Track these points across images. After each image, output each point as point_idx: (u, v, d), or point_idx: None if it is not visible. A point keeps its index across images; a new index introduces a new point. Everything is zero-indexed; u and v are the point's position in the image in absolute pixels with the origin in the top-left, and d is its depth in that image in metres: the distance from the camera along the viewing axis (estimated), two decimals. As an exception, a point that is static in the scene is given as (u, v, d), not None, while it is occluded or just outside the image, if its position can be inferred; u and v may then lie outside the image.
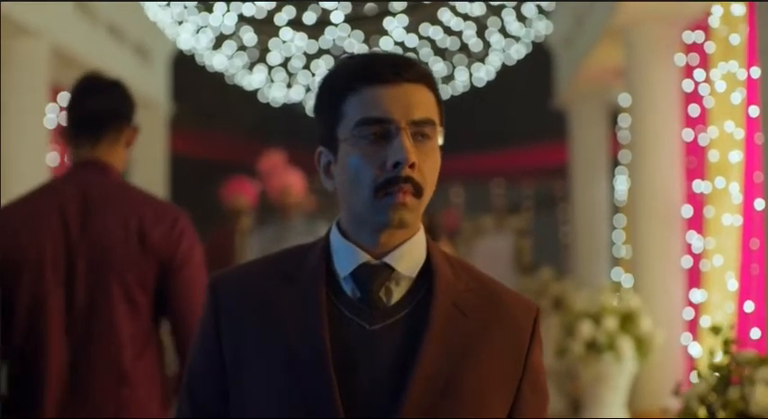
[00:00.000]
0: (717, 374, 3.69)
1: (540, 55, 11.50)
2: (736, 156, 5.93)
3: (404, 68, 1.76)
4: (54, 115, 8.71)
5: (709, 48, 6.56)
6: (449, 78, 10.06)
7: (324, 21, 7.33)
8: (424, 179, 1.74)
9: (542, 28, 9.61)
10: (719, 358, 3.76)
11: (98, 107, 3.25)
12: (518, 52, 9.65)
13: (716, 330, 3.84)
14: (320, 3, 7.18)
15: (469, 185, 18.89)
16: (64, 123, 3.30)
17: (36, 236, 3.16)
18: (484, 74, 9.95)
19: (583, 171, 10.60)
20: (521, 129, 16.19)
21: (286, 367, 1.74)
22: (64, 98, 3.21)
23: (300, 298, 1.77)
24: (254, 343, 1.78)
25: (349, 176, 1.75)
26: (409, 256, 1.79)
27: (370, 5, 7.15)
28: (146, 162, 10.47)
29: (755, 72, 5.32)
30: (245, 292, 1.82)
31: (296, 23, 7.67)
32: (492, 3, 7.83)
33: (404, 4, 7.36)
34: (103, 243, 3.17)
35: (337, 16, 7.30)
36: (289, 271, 1.81)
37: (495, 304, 1.82)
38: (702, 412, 3.64)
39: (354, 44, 7.94)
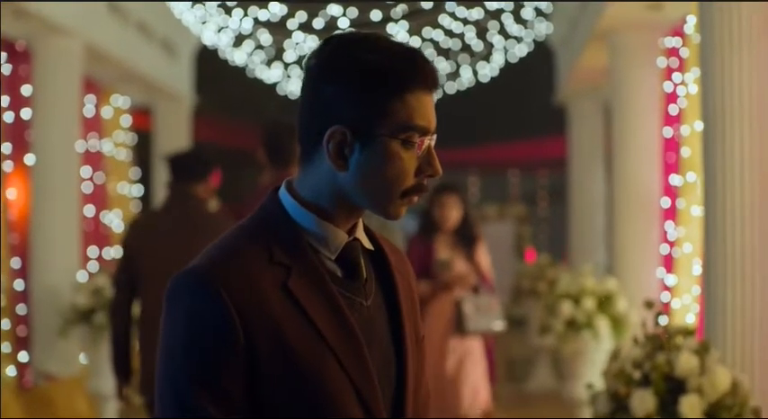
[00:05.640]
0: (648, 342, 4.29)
1: (544, 53, 11.96)
2: (704, 153, 6.50)
3: (438, 77, 1.79)
4: (91, 105, 9.33)
5: (685, 53, 7.10)
6: (454, 75, 10.51)
7: (332, 26, 7.83)
8: None
9: (544, 28, 10.04)
10: (652, 328, 4.36)
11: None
12: (521, 51, 10.06)
13: (649, 305, 4.44)
14: (328, 9, 7.69)
15: (486, 175, 19.40)
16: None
17: None
18: (488, 71, 10.40)
19: (580, 164, 11.11)
20: (532, 123, 16.64)
21: (326, 358, 1.71)
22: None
23: (313, 287, 1.73)
24: (280, 337, 1.68)
25: (380, 172, 1.74)
26: (362, 231, 1.86)
27: (373, 12, 7.65)
28: (171, 149, 10.85)
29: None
30: (253, 286, 1.70)
31: (306, 27, 8.19)
32: (489, 5, 8.25)
33: (404, 11, 7.82)
34: None
35: (344, 22, 7.81)
36: (278, 258, 1.73)
37: (401, 259, 1.94)
38: (636, 374, 4.24)
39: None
